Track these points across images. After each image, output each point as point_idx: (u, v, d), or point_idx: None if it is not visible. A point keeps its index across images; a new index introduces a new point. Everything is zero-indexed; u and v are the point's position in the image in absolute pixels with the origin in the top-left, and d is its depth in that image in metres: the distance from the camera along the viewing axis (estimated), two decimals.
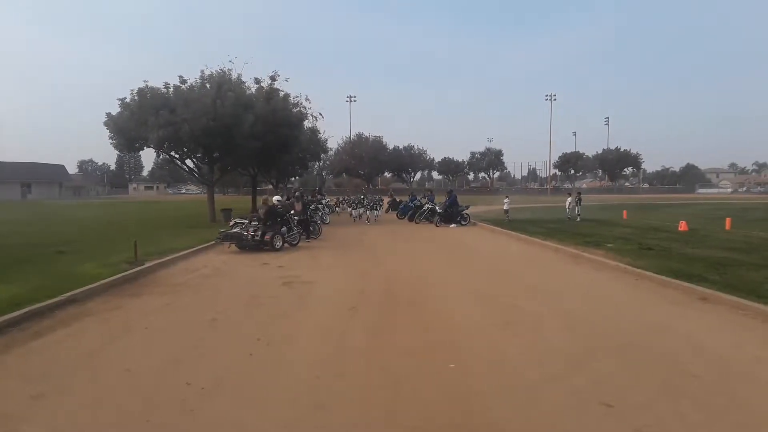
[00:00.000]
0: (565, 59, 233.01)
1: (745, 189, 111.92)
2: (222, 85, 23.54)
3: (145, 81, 23.71)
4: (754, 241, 16.20)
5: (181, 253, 13.95)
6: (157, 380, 5.22)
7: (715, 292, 8.78)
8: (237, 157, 25.62)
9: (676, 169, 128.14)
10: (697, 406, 4.53)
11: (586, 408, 4.52)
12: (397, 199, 33.32)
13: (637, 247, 14.87)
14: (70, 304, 8.35)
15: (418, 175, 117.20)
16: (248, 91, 24.87)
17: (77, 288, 9.02)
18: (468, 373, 5.41)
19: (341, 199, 39.61)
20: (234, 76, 24.65)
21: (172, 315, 8.01)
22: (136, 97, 23.32)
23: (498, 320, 7.62)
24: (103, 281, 9.81)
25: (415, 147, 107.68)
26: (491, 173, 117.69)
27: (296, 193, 21.32)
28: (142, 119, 22.58)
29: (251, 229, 15.15)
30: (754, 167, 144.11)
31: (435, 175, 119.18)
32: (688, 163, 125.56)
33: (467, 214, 25.81)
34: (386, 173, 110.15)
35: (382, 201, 31.11)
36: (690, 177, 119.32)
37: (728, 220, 21.58)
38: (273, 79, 25.58)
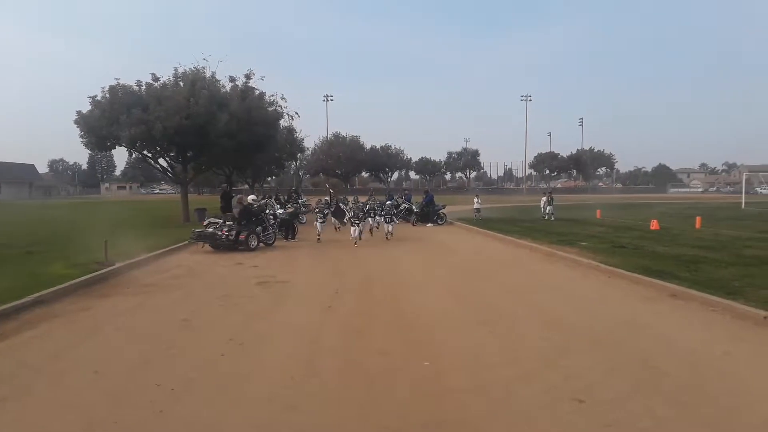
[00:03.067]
0: (540, 60, 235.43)
1: (715, 189, 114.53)
2: (196, 83, 23.23)
3: (116, 79, 23.35)
4: (723, 239, 16.54)
5: (153, 254, 13.71)
6: (126, 382, 5.11)
7: (685, 288, 8.93)
8: (211, 156, 25.38)
9: (649, 169, 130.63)
10: (667, 401, 4.58)
11: (558, 404, 4.54)
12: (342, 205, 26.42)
13: (610, 245, 15.09)
14: (37, 305, 8.13)
15: (396, 175, 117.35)
16: (223, 90, 24.58)
17: (45, 289, 8.79)
18: (443, 371, 5.41)
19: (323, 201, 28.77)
20: (208, 74, 24.37)
21: (143, 316, 7.87)
22: (107, 95, 22.89)
23: (473, 318, 7.64)
24: (71, 282, 9.59)
25: (393, 147, 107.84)
26: (468, 173, 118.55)
27: (263, 200, 20.55)
28: (114, 117, 22.20)
29: (225, 229, 14.97)
30: (724, 167, 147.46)
31: (412, 174, 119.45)
32: (659, 164, 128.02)
33: (444, 213, 25.91)
34: (363, 173, 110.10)
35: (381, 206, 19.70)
36: (662, 177, 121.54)
37: (698, 219, 22.02)
38: (248, 77, 25.35)
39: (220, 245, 14.98)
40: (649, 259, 12.14)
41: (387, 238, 18.54)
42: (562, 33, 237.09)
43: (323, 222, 18.33)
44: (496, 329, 7.04)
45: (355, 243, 16.64)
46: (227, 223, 15.31)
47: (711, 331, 6.87)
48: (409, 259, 13.98)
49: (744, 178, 57.44)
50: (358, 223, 17.35)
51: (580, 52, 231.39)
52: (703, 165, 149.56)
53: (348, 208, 19.61)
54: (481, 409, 4.50)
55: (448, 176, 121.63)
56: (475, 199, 29.59)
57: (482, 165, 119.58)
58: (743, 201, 41.70)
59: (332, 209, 19.55)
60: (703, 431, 4.07)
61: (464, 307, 8.49)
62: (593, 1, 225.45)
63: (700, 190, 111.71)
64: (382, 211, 19.20)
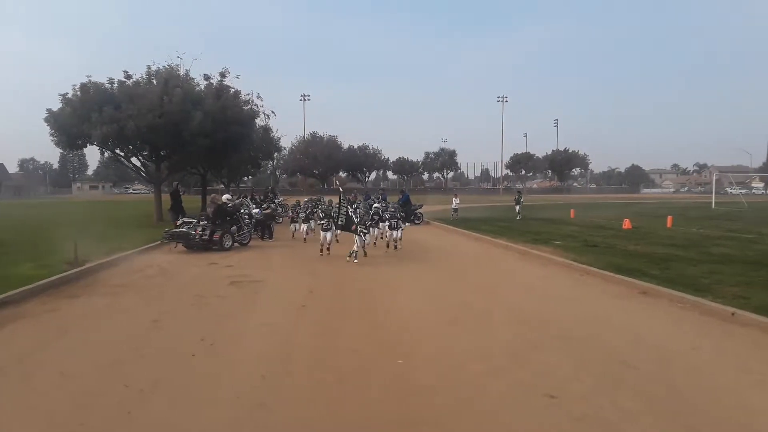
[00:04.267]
0: (516, 61, 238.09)
1: (686, 189, 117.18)
2: (169, 80, 22.88)
3: (88, 76, 22.85)
4: (693, 238, 16.90)
5: (125, 254, 13.46)
6: (93, 383, 5.00)
7: (655, 286, 9.11)
8: (185, 155, 25.00)
9: (622, 169, 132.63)
10: (636, 396, 4.64)
11: (529, 399, 4.58)
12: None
13: (583, 244, 15.31)
14: (4, 306, 7.93)
15: (373, 175, 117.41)
16: (197, 88, 24.27)
17: (12, 290, 8.58)
18: (415, 368, 5.41)
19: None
20: (182, 72, 24.08)
21: (112, 316, 7.71)
22: (78, 93, 22.42)
23: (447, 316, 7.66)
24: (40, 282, 9.37)
25: (370, 147, 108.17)
26: (445, 173, 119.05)
27: (238, 199, 19.66)
28: (85, 115, 21.72)
29: (199, 229, 14.78)
30: (695, 168, 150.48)
31: (390, 174, 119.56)
32: (632, 164, 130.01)
33: (421, 213, 25.96)
34: (341, 173, 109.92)
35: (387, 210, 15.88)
36: (635, 177, 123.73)
37: (670, 219, 22.48)
38: (223, 75, 25.04)
39: (194, 245, 14.78)
40: (620, 258, 12.33)
41: (396, 248, 14.81)
42: (538, 35, 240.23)
43: (328, 229, 13.95)
44: (468, 327, 7.08)
45: (354, 258, 12.70)
46: (201, 222, 15.12)
47: (679, 327, 6.99)
48: (383, 258, 13.95)
49: (714, 178, 58.76)
50: (366, 232, 13.42)
51: (554, 54, 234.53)
52: (674, 166, 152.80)
53: (333, 210, 14.27)
54: (451, 406, 4.50)
55: (425, 176, 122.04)
56: (454, 199, 29.73)
57: (459, 165, 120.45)
58: (713, 201, 42.69)
59: (342, 214, 13.61)
60: (670, 424, 4.13)
61: (437, 305, 8.51)
62: (568, 5, 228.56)
63: (671, 190, 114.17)
64: (386, 212, 15.37)
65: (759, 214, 30.98)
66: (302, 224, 17.63)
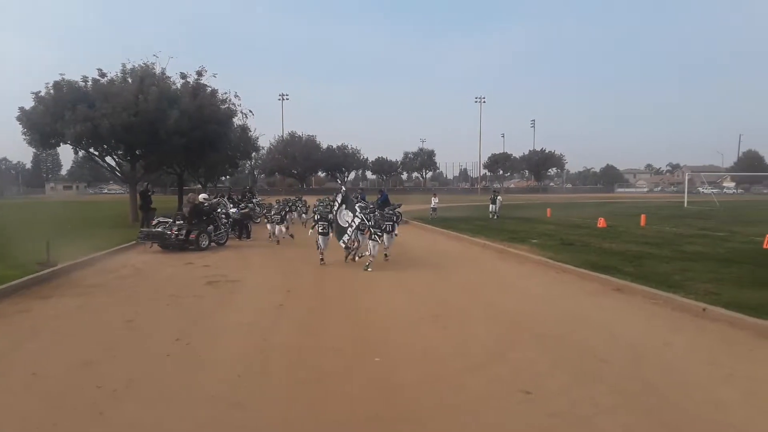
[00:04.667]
0: (493, 63, 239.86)
1: (659, 188, 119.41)
2: (145, 79, 22.58)
3: (61, 74, 22.49)
4: (666, 236, 17.26)
5: (99, 254, 13.23)
6: (66, 384, 4.93)
7: (629, 283, 9.27)
8: (161, 155, 24.69)
9: (597, 169, 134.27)
10: (610, 391, 4.71)
11: (506, 395, 4.62)
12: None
13: (559, 242, 15.50)
14: None
15: (353, 175, 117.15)
16: (173, 86, 23.98)
17: None
18: (394, 366, 5.42)
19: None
20: (158, 70, 23.73)
21: (85, 317, 7.58)
22: (51, 91, 22.10)
23: (425, 314, 7.69)
24: (11, 283, 9.18)
25: (349, 146, 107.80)
26: (424, 173, 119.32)
27: (215, 199, 19.52)
28: (58, 114, 21.40)
29: (175, 228, 14.60)
30: (668, 168, 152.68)
31: (369, 174, 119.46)
32: (607, 164, 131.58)
33: (400, 212, 25.92)
34: (320, 173, 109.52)
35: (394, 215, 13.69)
36: (609, 177, 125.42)
37: (643, 217, 22.93)
38: (200, 74, 24.83)
39: (170, 245, 14.60)
40: (595, 255, 12.51)
41: (386, 258, 12.86)
42: (515, 36, 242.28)
43: (326, 233, 12.57)
44: (446, 325, 7.12)
45: (368, 266, 11.51)
46: (177, 222, 14.94)
47: (652, 323, 7.12)
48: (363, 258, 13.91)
49: (687, 178, 60.09)
50: (380, 236, 11.93)
51: (530, 55, 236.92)
52: (648, 166, 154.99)
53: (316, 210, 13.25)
54: (429, 402, 4.52)
55: (404, 176, 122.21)
56: (433, 198, 29.81)
57: (438, 165, 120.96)
58: (686, 200, 43.61)
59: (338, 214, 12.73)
60: (643, 419, 4.19)
61: (416, 303, 8.54)
62: (546, 8, 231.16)
63: (645, 189, 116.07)
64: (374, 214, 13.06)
65: (730, 213, 31.76)
66: (275, 225, 16.65)
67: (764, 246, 13.69)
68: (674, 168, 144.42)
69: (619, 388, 4.79)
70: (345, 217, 12.46)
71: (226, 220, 16.97)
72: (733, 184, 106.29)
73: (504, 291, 9.53)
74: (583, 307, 8.11)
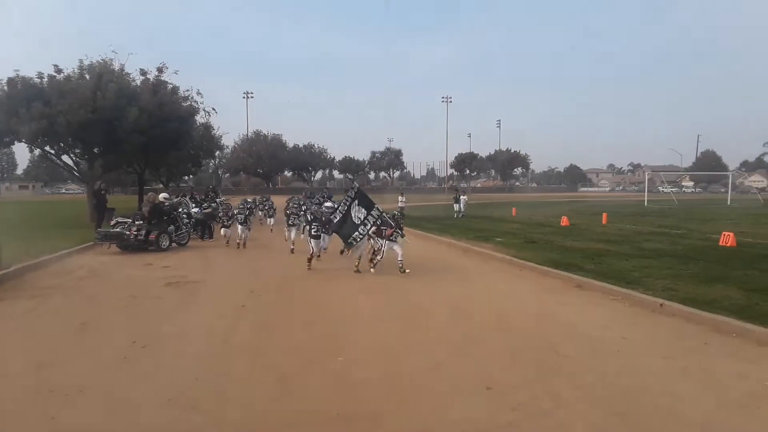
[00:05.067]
0: (460, 62, 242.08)
1: (621, 188, 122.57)
2: (103, 75, 21.98)
3: (15, 70, 21.83)
4: (626, 234, 17.66)
5: (55, 255, 12.77)
6: (16, 388, 4.75)
7: (589, 279, 9.43)
8: (120, 153, 24.05)
9: (561, 169, 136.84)
10: (569, 384, 4.76)
11: (467, 391, 4.63)
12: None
13: (523, 240, 15.69)
14: None
15: (320, 174, 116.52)
16: (133, 83, 23.47)
17: None
18: (356, 364, 5.38)
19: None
20: (117, 66, 23.17)
21: (37, 320, 7.28)
22: (5, 88, 21.48)
23: (387, 313, 7.68)
24: None
25: (316, 145, 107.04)
26: (391, 172, 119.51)
27: (176, 198, 19.05)
28: (12, 111, 20.81)
29: (134, 228, 14.22)
30: (630, 168, 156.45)
31: (336, 174, 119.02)
32: (571, 164, 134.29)
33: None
34: (286, 172, 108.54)
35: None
36: (573, 177, 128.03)
37: (605, 216, 23.46)
38: (160, 71, 24.39)
39: (129, 245, 14.21)
40: (558, 253, 12.70)
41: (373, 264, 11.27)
42: (482, 37, 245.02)
43: (318, 236, 11.57)
44: (409, 322, 7.12)
45: (403, 269, 10.76)
46: (136, 222, 14.56)
47: (611, 318, 7.25)
48: (328, 257, 13.80)
49: (647, 177, 61.79)
50: (403, 235, 11.44)
51: (493, 55, 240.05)
52: (610, 165, 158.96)
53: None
54: (391, 399, 4.49)
55: (372, 175, 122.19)
56: (400, 197, 29.86)
57: (405, 164, 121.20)
58: (646, 199, 44.81)
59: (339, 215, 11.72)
60: (602, 411, 4.24)
61: (379, 302, 8.52)
62: (509, 10, 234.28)
63: (607, 189, 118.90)
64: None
65: (688, 211, 32.76)
66: (239, 226, 15.36)
67: (719, 243, 14.10)
68: (635, 168, 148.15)
69: (579, 381, 4.84)
70: (358, 213, 11.59)
71: (187, 220, 16.62)
72: (691, 184, 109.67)
73: (468, 288, 9.55)
74: (545, 303, 8.20)
